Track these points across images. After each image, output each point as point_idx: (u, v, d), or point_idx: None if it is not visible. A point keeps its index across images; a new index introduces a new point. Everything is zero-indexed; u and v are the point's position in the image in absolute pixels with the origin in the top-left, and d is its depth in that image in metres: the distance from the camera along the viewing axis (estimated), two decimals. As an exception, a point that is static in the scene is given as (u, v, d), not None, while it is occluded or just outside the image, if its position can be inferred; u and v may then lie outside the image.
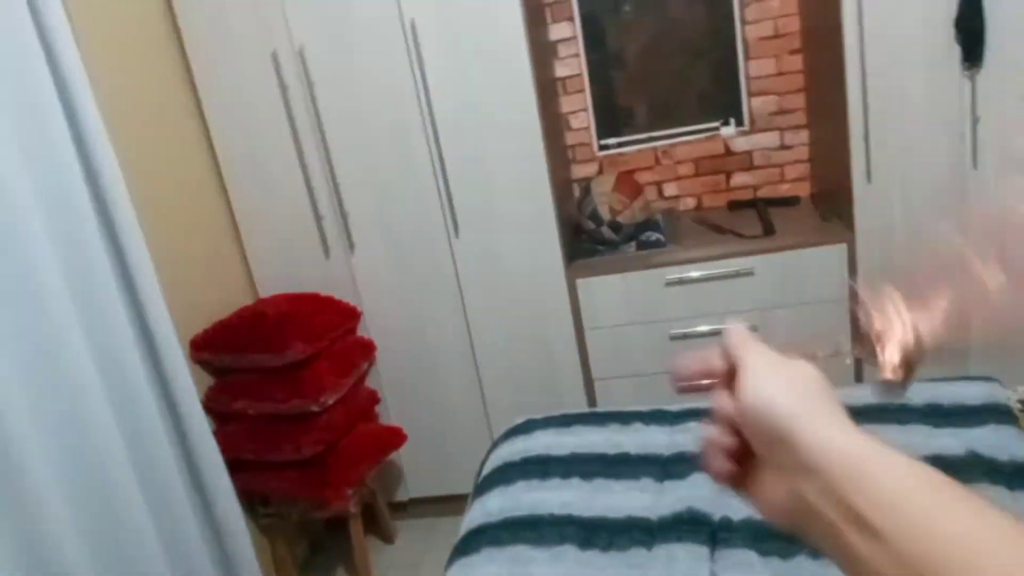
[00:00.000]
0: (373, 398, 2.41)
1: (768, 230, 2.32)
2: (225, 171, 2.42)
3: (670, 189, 2.76)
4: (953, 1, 1.99)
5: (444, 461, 2.55)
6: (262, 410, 2.16)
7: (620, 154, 2.75)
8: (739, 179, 2.71)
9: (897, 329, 0.45)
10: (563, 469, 1.52)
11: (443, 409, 2.52)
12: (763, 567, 1.18)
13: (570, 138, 2.77)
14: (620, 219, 2.42)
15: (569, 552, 1.29)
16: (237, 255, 2.47)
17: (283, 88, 2.30)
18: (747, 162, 2.69)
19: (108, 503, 1.72)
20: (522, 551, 1.32)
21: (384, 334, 2.48)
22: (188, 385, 1.96)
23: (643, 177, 2.74)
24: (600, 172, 2.73)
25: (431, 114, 2.26)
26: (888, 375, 0.45)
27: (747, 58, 2.59)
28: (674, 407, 1.70)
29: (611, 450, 1.55)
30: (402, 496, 2.61)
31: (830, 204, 2.41)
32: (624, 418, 1.68)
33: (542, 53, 2.49)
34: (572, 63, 2.68)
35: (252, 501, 2.29)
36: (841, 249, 2.22)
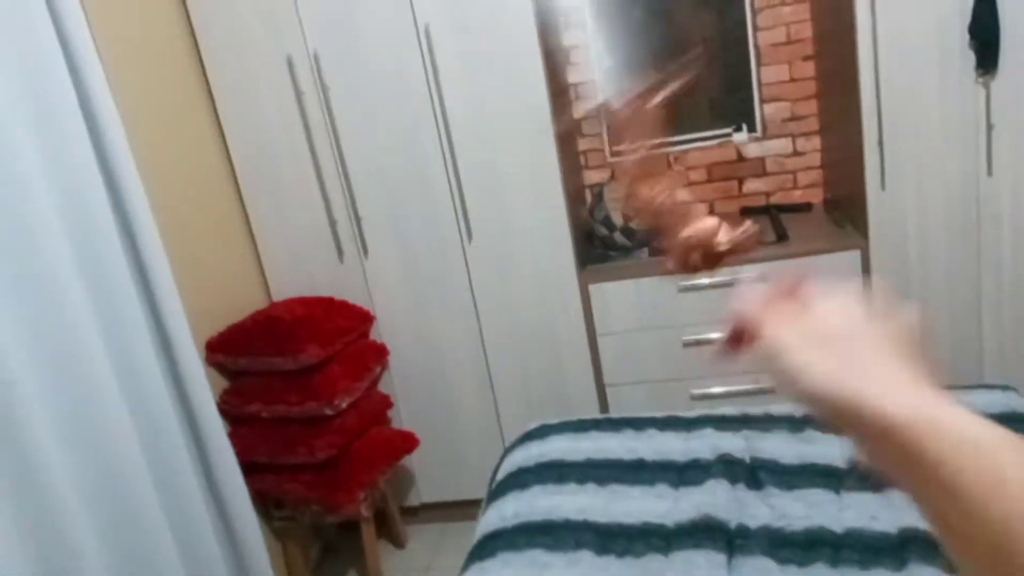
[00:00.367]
0: (386, 402, 2.42)
1: (781, 236, 2.32)
2: (240, 176, 2.43)
3: (683, 195, 2.76)
4: (967, 7, 1.99)
5: (456, 466, 2.55)
6: (276, 413, 2.17)
7: (634, 161, 2.75)
8: (751, 185, 2.71)
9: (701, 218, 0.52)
10: (579, 474, 1.53)
11: (455, 414, 2.53)
12: (780, 575, 1.18)
13: (582, 144, 2.78)
14: (633, 225, 2.43)
15: (585, 557, 1.30)
16: (252, 259, 2.49)
17: (298, 93, 2.32)
18: (760, 168, 2.69)
19: (124, 504, 1.73)
20: (538, 556, 1.32)
21: (397, 338, 2.49)
22: (204, 387, 1.97)
23: (657, 183, 2.73)
24: (612, 178, 2.74)
25: (445, 120, 2.27)
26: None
27: (760, 64, 2.59)
28: (689, 414, 1.70)
29: (626, 456, 1.55)
30: (414, 500, 2.62)
31: (843, 210, 2.41)
32: (638, 424, 1.68)
33: (555, 59, 2.50)
34: (585, 69, 2.69)
35: (265, 504, 2.30)
36: (854, 256, 2.21)
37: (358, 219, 2.40)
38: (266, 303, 2.48)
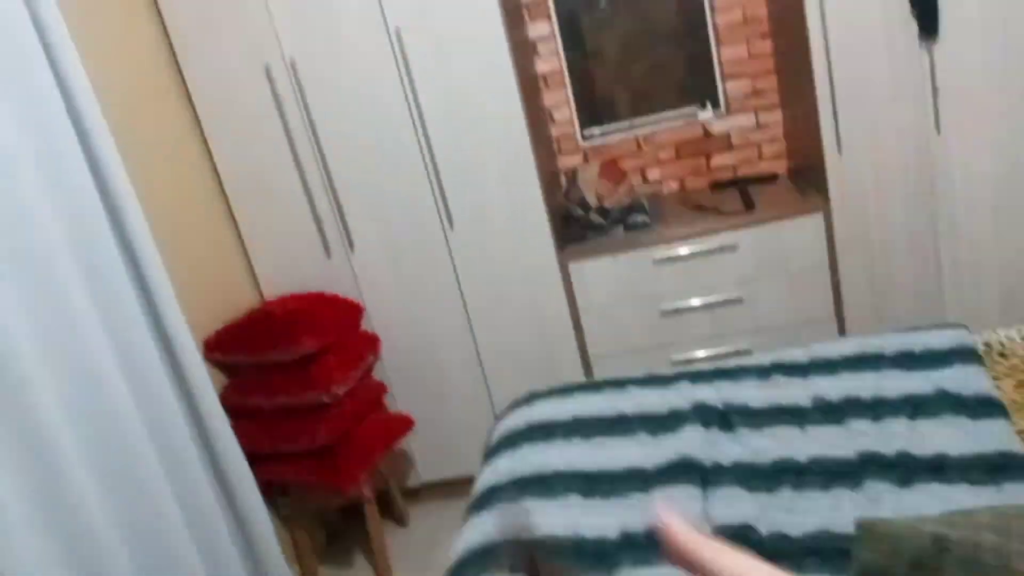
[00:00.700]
0: (381, 389, 2.52)
1: (748, 206, 2.43)
2: (227, 183, 2.52)
3: (653, 174, 2.88)
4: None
5: (452, 445, 2.65)
6: (276, 404, 2.27)
7: (603, 143, 2.86)
8: (719, 160, 2.83)
9: None
10: (565, 432, 1.63)
11: (448, 396, 2.63)
12: (751, 500, 1.29)
13: (554, 130, 2.88)
14: (607, 204, 2.54)
15: (574, 501, 1.40)
16: (242, 261, 2.57)
17: (277, 99, 2.41)
18: (726, 143, 2.81)
19: (140, 498, 1.82)
20: (530, 503, 1.43)
21: (388, 328, 2.59)
22: (206, 384, 2.06)
23: (627, 164, 2.85)
24: (585, 161, 2.85)
25: (420, 116, 2.37)
26: None
27: (719, 44, 2.71)
28: (667, 372, 1.81)
29: (609, 412, 1.66)
30: (414, 482, 2.72)
31: (806, 178, 2.53)
32: (620, 384, 1.79)
33: (523, 51, 2.61)
34: (552, 59, 2.79)
35: (271, 493, 2.39)
36: (817, 219, 2.34)
37: (343, 216, 2.50)
38: (259, 302, 2.57)
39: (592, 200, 2.53)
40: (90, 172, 1.82)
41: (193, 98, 2.45)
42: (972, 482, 1.23)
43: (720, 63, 2.73)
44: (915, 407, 1.43)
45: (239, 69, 2.40)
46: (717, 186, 2.76)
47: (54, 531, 1.61)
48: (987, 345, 1.61)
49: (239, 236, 2.57)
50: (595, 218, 2.52)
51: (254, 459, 2.19)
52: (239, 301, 2.49)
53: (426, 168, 2.42)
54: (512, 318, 2.54)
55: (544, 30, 2.77)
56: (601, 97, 2.85)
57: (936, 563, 0.94)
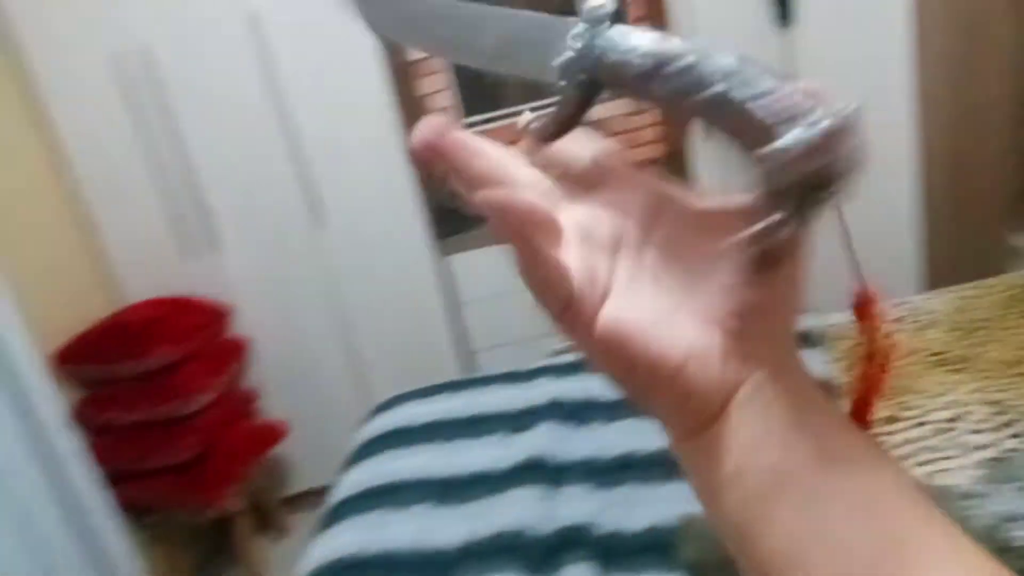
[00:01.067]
0: (251, 396, 2.40)
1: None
2: (82, 183, 2.33)
3: (534, 163, 2.85)
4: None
5: (333, 451, 2.55)
6: (134, 418, 2.13)
7: (488, 130, 2.81)
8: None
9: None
10: (423, 436, 1.58)
11: (327, 399, 2.54)
12: (595, 497, 1.27)
13: (433, 120, 2.81)
14: (483, 195, 2.49)
15: (424, 511, 1.35)
16: (99, 265, 2.39)
17: (128, 90, 2.24)
18: (603, 130, 2.80)
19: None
20: (381, 515, 1.37)
21: (260, 330, 2.47)
22: (49, 400, 1.91)
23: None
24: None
25: (284, 109, 2.26)
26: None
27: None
28: (530, 367, 1.79)
29: (467, 413, 1.62)
30: (294, 490, 2.62)
31: (677, 163, 2.55)
32: (483, 382, 1.75)
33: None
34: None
35: (136, 511, 2.25)
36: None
37: (208, 214, 2.36)
38: (117, 308, 2.40)
39: (468, 191, 2.48)
40: None
41: (39, 90, 2.24)
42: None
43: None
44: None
45: (85, 57, 2.21)
46: (596, 174, 2.76)
47: None
48: (831, 327, 1.64)
49: (91, 239, 2.39)
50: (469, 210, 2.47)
51: (114, 478, 2.05)
52: (96, 308, 2.31)
53: (294, 163, 2.31)
54: (390, 315, 2.46)
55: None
56: (486, 84, 2.78)
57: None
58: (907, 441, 1.28)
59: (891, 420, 1.32)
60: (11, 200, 2.12)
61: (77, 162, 2.32)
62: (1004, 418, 1.28)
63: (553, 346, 2.52)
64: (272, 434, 2.35)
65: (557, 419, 1.50)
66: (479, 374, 1.86)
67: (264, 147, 2.30)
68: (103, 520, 1.99)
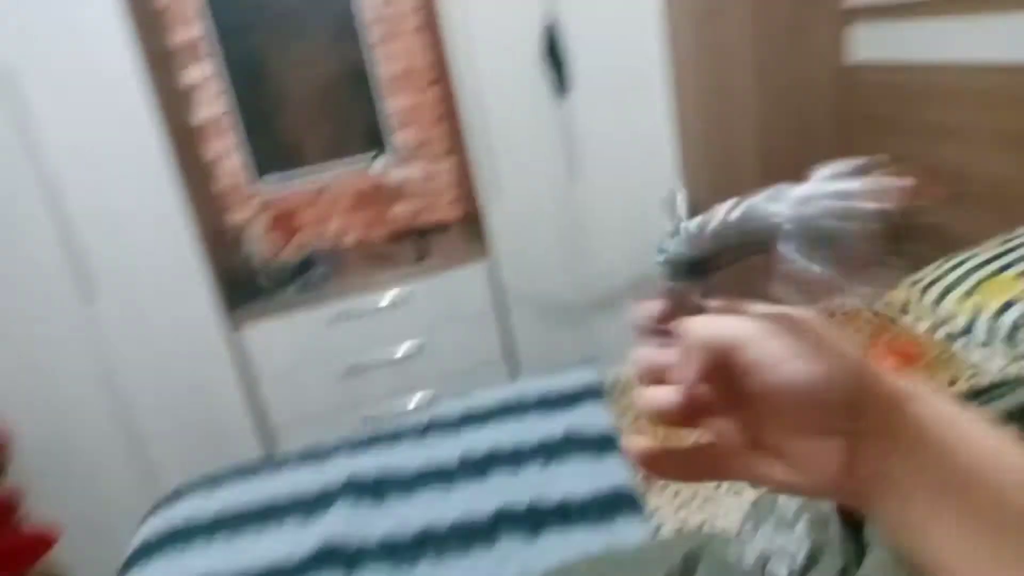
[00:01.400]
0: (12, 501, 2.11)
1: (420, 256, 2.46)
2: None
3: (333, 225, 2.81)
4: (538, 41, 2.29)
5: (118, 549, 2.30)
6: None
7: (280, 193, 2.73)
8: (398, 209, 2.84)
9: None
10: (209, 531, 1.47)
11: (109, 494, 2.29)
12: (391, 580, 1.25)
13: (224, 182, 2.69)
14: (278, 261, 2.41)
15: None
16: None
17: None
18: (402, 193, 2.84)
19: None
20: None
21: (23, 423, 2.18)
22: None
23: (306, 214, 2.75)
24: (262, 213, 2.69)
25: (46, 178, 2.05)
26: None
27: (385, 95, 2.73)
28: (325, 445, 1.73)
29: (259, 500, 1.53)
30: (73, 599, 2.31)
31: (474, 225, 2.63)
32: (277, 464, 1.67)
33: (174, 100, 2.39)
34: (215, 105, 2.60)
35: None
36: (482, 266, 2.44)
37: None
38: None
39: (261, 257, 2.39)
40: None
41: None
42: (591, 522, 1.32)
43: (387, 113, 2.75)
44: (548, 453, 1.51)
45: None
46: (397, 236, 2.77)
47: None
48: (613, 381, 1.76)
49: None
50: (263, 278, 2.37)
51: None
52: None
53: (59, 236, 2.10)
54: (177, 395, 2.28)
55: (202, 75, 2.57)
56: (278, 144, 2.71)
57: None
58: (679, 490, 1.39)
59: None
60: None
61: None
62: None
63: (360, 414, 2.46)
64: (42, 542, 2.07)
65: (353, 498, 1.46)
66: (280, 452, 1.76)
67: (20, 223, 2.07)
68: None
